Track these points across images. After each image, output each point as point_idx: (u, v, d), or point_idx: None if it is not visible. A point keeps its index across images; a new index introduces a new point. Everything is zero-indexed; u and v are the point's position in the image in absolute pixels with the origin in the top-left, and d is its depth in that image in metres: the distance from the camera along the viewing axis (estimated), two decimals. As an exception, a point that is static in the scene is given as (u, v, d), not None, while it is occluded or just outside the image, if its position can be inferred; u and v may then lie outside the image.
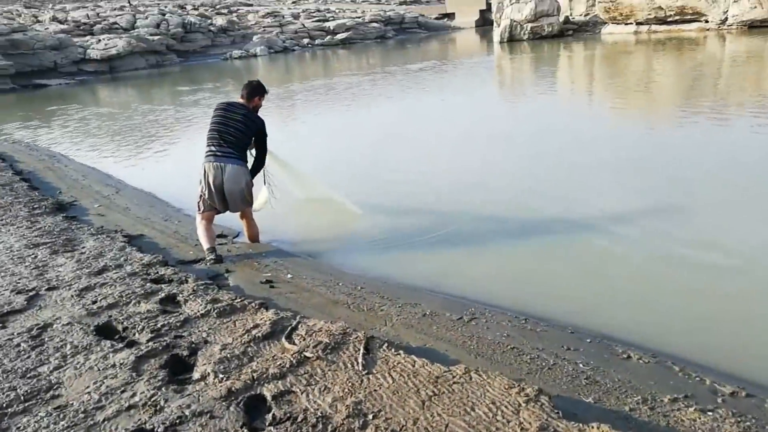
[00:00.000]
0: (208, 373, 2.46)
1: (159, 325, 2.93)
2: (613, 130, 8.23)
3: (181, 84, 22.04)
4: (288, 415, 2.16)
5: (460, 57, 25.07)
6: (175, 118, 12.93)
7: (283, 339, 2.73)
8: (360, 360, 2.51)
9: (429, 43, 36.88)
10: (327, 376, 2.42)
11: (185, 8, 42.55)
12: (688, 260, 3.85)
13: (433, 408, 2.16)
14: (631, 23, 23.77)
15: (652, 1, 22.31)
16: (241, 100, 4.32)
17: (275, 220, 5.02)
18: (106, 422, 2.22)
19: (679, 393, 2.36)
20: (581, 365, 2.63)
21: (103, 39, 31.18)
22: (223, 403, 2.26)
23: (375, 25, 43.77)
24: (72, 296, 3.40)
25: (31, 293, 3.49)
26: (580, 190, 5.48)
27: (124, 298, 3.31)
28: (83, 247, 4.35)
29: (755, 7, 19.51)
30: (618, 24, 24.46)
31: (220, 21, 38.94)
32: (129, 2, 41.15)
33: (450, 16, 50.92)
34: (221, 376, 2.44)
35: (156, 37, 33.18)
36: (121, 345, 2.77)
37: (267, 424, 2.15)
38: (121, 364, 2.58)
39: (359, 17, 44.70)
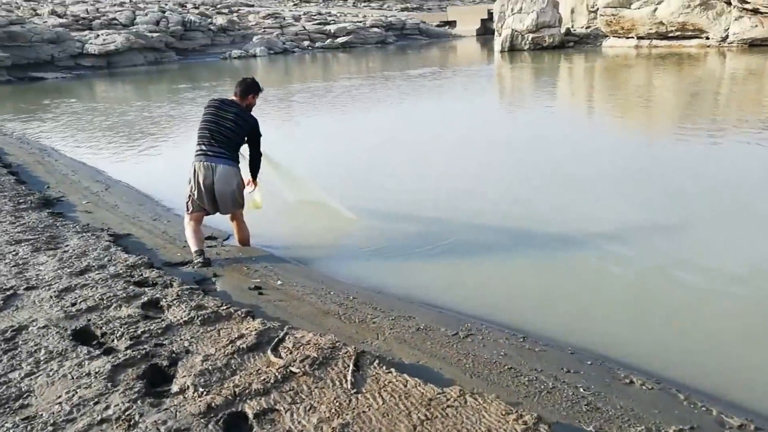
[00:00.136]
0: (188, 386, 2.32)
1: (139, 332, 2.78)
2: (612, 143, 8.14)
3: (179, 82, 21.89)
4: (270, 435, 2.02)
5: (461, 65, 25.06)
6: (170, 116, 12.78)
7: (269, 351, 2.59)
8: (349, 377, 2.37)
9: (429, 49, 36.89)
10: (313, 394, 2.28)
11: (186, 6, 42.45)
12: (693, 280, 3.73)
13: (425, 433, 2.03)
14: (632, 37, 23.80)
15: (653, 16, 22.35)
16: (234, 98, 4.18)
17: (267, 224, 4.88)
18: (75, 437, 2.07)
19: (685, 424, 2.24)
20: (582, 389, 2.50)
21: (102, 34, 31.01)
22: (202, 421, 2.11)
23: (376, 30, 43.80)
24: (51, 297, 3.25)
25: (8, 292, 3.34)
26: (579, 202, 5.37)
27: (104, 301, 3.16)
28: (67, 246, 4.20)
29: (756, 26, 19.56)
30: (619, 37, 24.49)
31: (220, 20, 38.85)
32: (130, -2, 40.97)
33: (451, 23, 51.04)
34: (201, 390, 2.29)
35: (155, 34, 33.04)
36: (98, 352, 2.62)
37: (247, 444, 2.01)
38: (96, 372, 2.44)
39: (360, 22, 44.72)
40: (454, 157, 7.42)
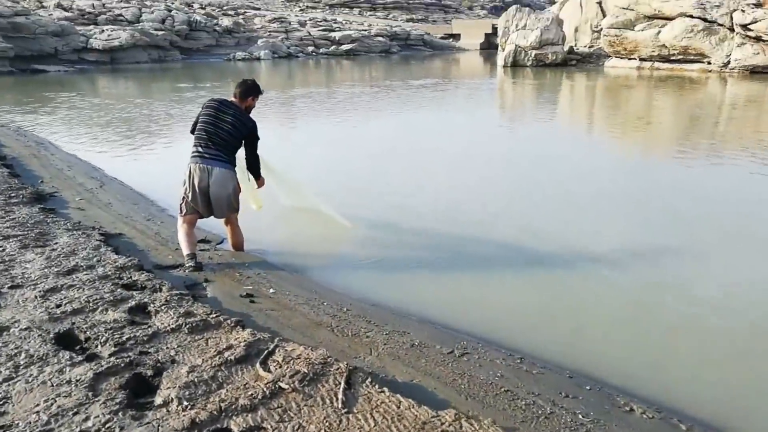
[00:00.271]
0: (172, 399, 2.22)
1: (124, 338, 2.68)
2: (613, 162, 8.11)
3: (181, 80, 21.85)
4: (255, 455, 1.93)
5: (463, 77, 25.12)
6: (170, 114, 12.70)
7: (258, 365, 2.49)
8: (340, 396, 2.28)
9: (433, 61, 37.01)
10: (302, 412, 2.19)
11: (192, 6, 42.51)
12: (694, 303, 3.66)
13: (417, 459, 1.94)
14: (634, 58, 23.93)
15: (656, 39, 22.47)
16: (233, 99, 4.10)
17: (261, 229, 4.80)
18: (50, 449, 1.97)
19: (688, 459, 2.15)
20: (580, 416, 2.42)
21: (107, 30, 31.00)
22: (185, 436, 2.02)
23: (380, 39, 43.97)
24: (36, 297, 3.15)
25: (-9, 290, 3.23)
26: (579, 220, 5.31)
27: (90, 304, 3.05)
28: (56, 243, 4.10)
29: (758, 53, 19.69)
30: (621, 58, 24.61)
31: (226, 22, 38.90)
32: (136, -5, 40.97)
33: (456, 36, 51.30)
34: (186, 403, 2.19)
35: (160, 33, 33.05)
36: (80, 358, 2.51)
37: (231, 464, 1.91)
38: (77, 380, 2.33)
39: (365, 30, 44.89)
40: (453, 169, 7.36)
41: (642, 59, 23.59)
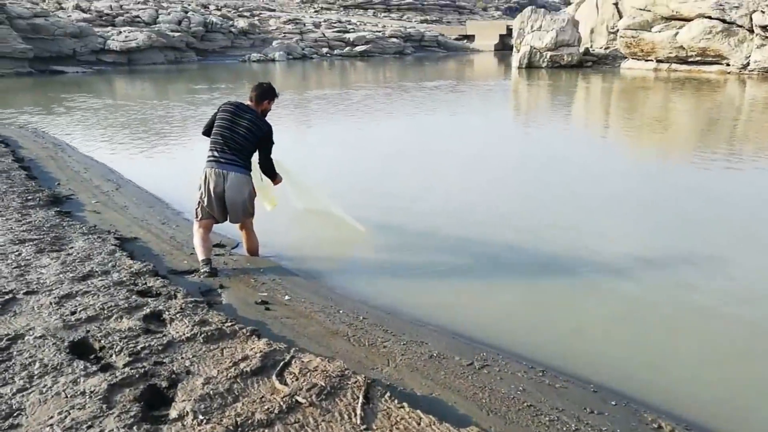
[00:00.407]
0: (187, 413, 2.17)
1: (139, 347, 2.64)
2: (629, 165, 7.96)
3: (197, 82, 21.96)
4: (272, 474, 1.87)
5: (477, 79, 24.98)
6: (186, 116, 12.75)
7: (274, 377, 2.44)
8: (358, 411, 2.22)
9: (447, 62, 36.88)
10: (320, 428, 2.12)
11: (208, 8, 42.81)
12: (724, 316, 3.54)
13: (439, 481, 1.87)
14: (651, 60, 23.60)
15: (674, 40, 22.14)
16: (249, 103, 4.06)
17: (276, 233, 4.76)
18: (63, 463, 1.93)
19: (722, 484, 2.06)
20: (606, 435, 2.33)
21: (124, 31, 31.33)
22: (200, 452, 1.97)
23: (394, 40, 43.93)
24: (50, 303, 3.12)
25: (7, 296, 3.21)
26: (600, 225, 5.19)
27: (105, 311, 3.02)
28: (71, 248, 4.08)
29: (779, 54, 19.34)
30: (638, 60, 24.30)
31: (241, 23, 39.12)
32: (153, -3, 41.36)
33: (470, 38, 51.08)
34: (201, 417, 2.14)
35: (177, 34, 33.32)
36: (95, 368, 2.47)
37: (247, 483, 1.86)
38: (91, 392, 2.29)
39: (379, 31, 44.87)
40: (467, 171, 7.27)
41: (659, 61, 23.26)
